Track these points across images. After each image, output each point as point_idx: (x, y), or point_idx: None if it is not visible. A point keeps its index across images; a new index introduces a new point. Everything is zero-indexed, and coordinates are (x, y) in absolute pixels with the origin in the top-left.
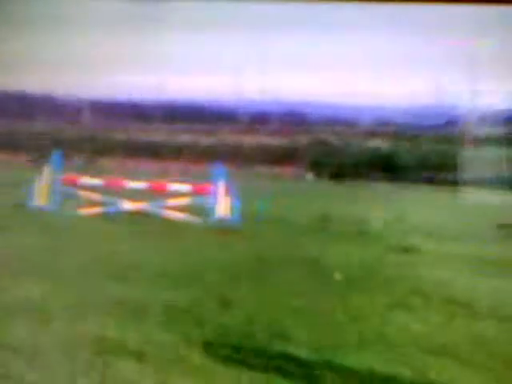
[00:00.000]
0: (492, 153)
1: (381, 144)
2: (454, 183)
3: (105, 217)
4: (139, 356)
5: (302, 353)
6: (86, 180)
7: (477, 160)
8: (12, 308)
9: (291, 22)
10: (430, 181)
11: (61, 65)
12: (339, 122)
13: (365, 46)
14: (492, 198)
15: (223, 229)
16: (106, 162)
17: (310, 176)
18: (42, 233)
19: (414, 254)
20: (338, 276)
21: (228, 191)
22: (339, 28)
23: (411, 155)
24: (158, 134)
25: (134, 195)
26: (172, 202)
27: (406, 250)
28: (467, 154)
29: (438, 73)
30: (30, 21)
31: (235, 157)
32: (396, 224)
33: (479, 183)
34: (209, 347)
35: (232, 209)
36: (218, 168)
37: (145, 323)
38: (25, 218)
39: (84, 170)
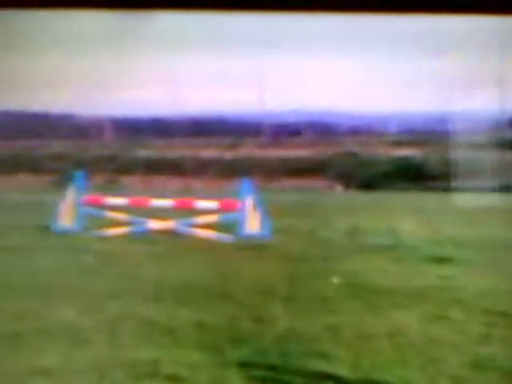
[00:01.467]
0: None
1: (409, 153)
2: (486, 190)
3: (131, 237)
4: (174, 379)
5: (341, 371)
6: (111, 199)
7: (508, 166)
8: (44, 331)
9: (310, 36)
10: (461, 188)
11: (80, 83)
12: (365, 132)
13: (386, 56)
14: None
15: (253, 245)
16: (128, 181)
17: (338, 188)
18: (68, 255)
19: (449, 264)
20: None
21: (256, 206)
22: (360, 39)
23: (440, 163)
24: (180, 149)
25: (159, 214)
26: (200, 219)
27: (441, 260)
28: (498, 159)
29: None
30: (47, 41)
31: (261, 171)
32: (429, 234)
33: None
34: (245, 367)
35: (261, 224)
36: (245, 183)
37: (178, 344)
38: (49, 240)
39: (107, 189)
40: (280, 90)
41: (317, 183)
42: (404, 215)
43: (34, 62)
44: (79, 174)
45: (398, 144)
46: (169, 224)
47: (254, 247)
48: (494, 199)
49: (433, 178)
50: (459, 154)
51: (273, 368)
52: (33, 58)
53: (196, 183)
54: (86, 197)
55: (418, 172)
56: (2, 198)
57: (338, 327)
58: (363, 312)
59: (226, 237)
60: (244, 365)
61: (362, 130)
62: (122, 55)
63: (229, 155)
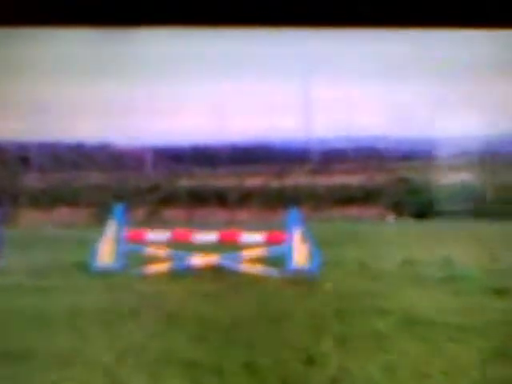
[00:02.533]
0: None
1: (464, 178)
2: None
3: (174, 273)
4: None
5: None
6: (152, 234)
7: None
8: (84, 375)
9: (357, 59)
10: None
11: (118, 112)
12: (417, 157)
13: (437, 80)
14: None
15: (302, 279)
16: (170, 213)
17: (390, 217)
18: (108, 295)
19: (510, 296)
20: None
21: (304, 238)
22: (409, 63)
23: (498, 188)
24: (224, 179)
25: (203, 248)
26: (245, 253)
27: (502, 292)
28: None
29: None
30: (78, 67)
31: (309, 200)
32: (488, 264)
33: None
34: None
35: (310, 257)
36: (292, 213)
37: None
38: (89, 280)
39: (148, 223)
40: (327, 115)
41: (367, 212)
42: (460, 244)
43: (66, 92)
44: (119, 207)
45: (452, 169)
46: (213, 259)
47: (302, 282)
48: None
49: (490, 203)
50: None
51: None
52: (65, 87)
53: (241, 214)
54: (127, 232)
55: (474, 198)
56: (40, 232)
57: (393, 366)
58: (419, 349)
59: (272, 271)
60: None
61: (413, 156)
62: (161, 82)
63: (275, 184)
